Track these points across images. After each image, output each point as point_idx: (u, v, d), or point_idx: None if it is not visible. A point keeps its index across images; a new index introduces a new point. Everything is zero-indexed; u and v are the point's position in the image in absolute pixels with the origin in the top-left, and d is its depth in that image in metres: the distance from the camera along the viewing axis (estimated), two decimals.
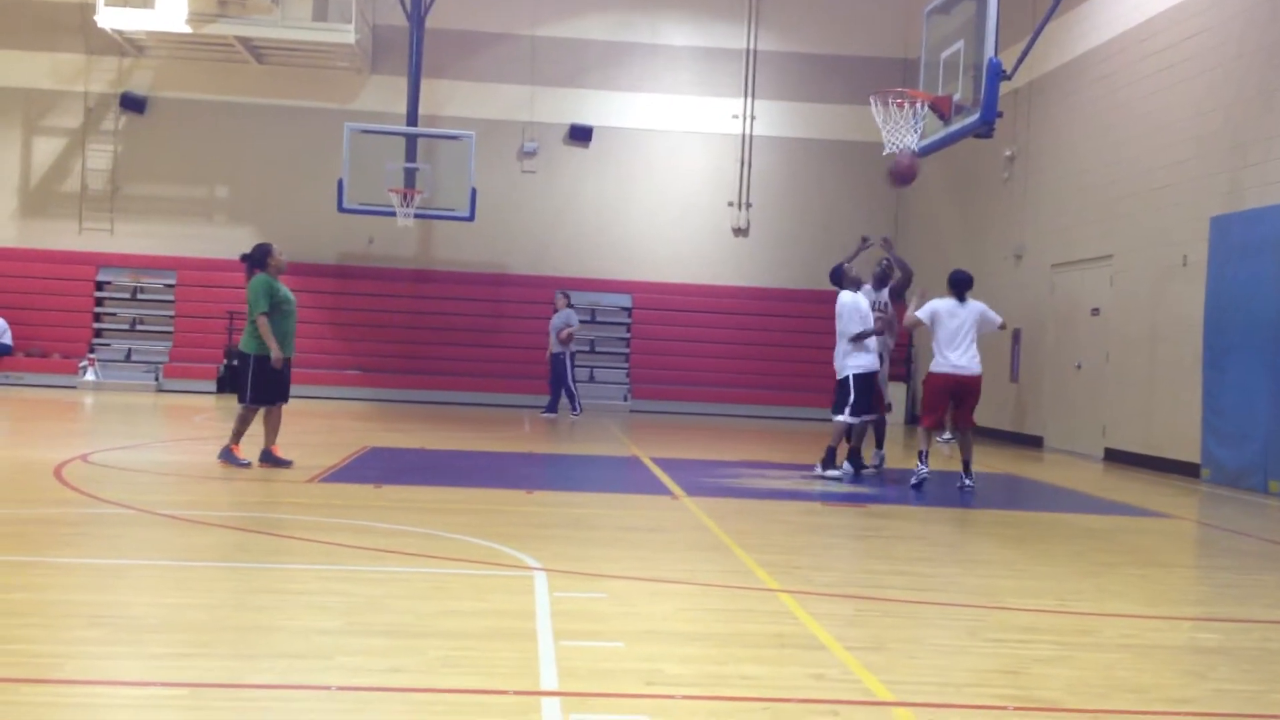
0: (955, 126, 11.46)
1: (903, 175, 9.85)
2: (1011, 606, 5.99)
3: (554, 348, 19.59)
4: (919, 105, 11.66)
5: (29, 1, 23.74)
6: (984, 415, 19.23)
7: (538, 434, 16.08)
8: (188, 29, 22.18)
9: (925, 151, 11.99)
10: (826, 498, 10.30)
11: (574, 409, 19.72)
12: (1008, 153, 19.34)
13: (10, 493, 8.42)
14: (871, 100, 11.94)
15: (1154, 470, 14.50)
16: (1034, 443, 18.10)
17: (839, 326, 11.41)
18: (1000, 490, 12.59)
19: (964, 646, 5.08)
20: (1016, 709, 4.18)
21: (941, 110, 11.55)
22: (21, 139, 24.14)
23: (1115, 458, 15.69)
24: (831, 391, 11.76)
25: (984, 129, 10.99)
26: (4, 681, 3.96)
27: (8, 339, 22.15)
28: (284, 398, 10.62)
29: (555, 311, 20.00)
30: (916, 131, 11.64)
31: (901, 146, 11.23)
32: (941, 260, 22.58)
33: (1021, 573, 7.07)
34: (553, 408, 19.79)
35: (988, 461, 15.35)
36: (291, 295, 10.45)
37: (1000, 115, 10.93)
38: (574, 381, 19.82)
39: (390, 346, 23.59)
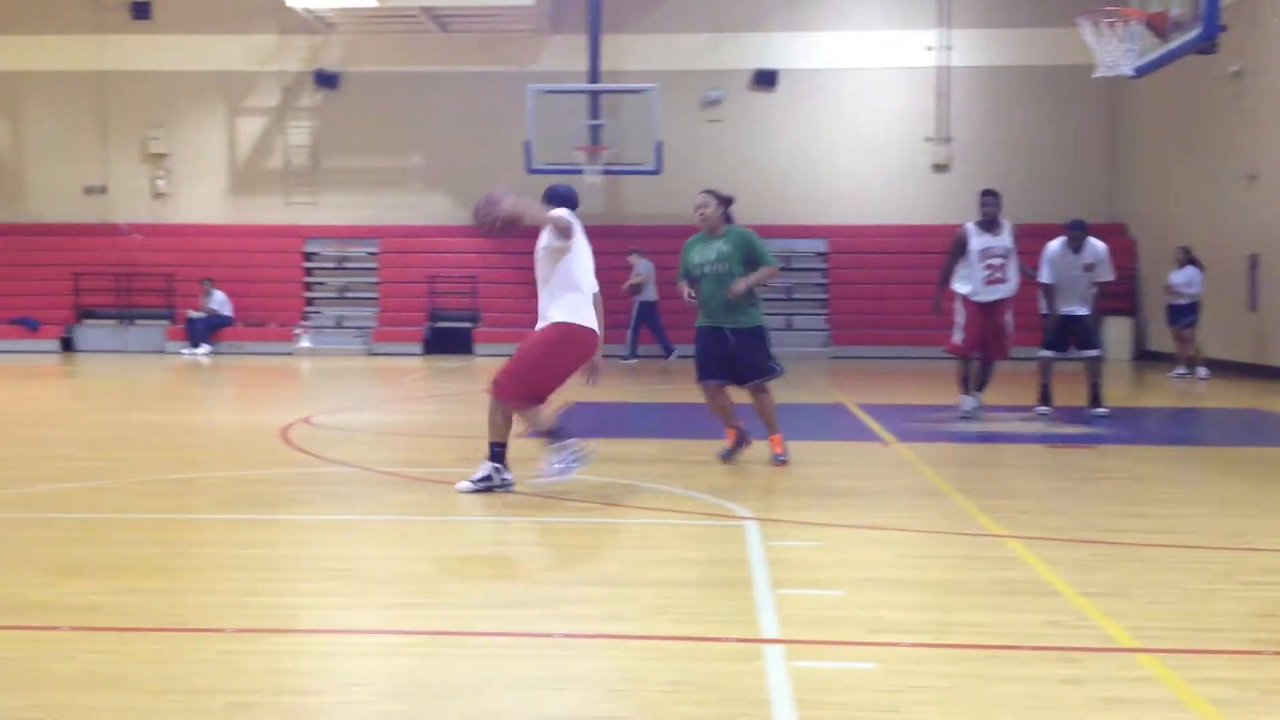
0: (1174, 44, 10.77)
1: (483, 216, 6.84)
2: (1264, 547, 5.62)
3: (649, 295, 20.06)
4: (1133, 23, 11.00)
5: None
6: (1220, 347, 18.20)
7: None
8: (374, 3, 22.73)
9: (1142, 71, 11.33)
10: (1048, 439, 9.90)
11: (629, 357, 20.26)
12: (1234, 69, 18.06)
13: (241, 455, 8.81)
14: (1080, 21, 11.32)
15: None
16: (1276, 374, 16.91)
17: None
18: (1243, 425, 11.84)
19: (1214, 590, 4.77)
20: (1275, 654, 3.91)
21: (1158, 27, 10.87)
22: (226, 121, 25.27)
23: None
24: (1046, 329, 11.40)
25: (1206, 44, 10.29)
26: (250, 632, 4.13)
27: (228, 311, 23.32)
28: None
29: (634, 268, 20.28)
30: (1132, 51, 11.00)
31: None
32: (1168, 190, 21.44)
33: (1271, 511, 6.65)
34: (667, 350, 20.10)
35: (1227, 395, 14.50)
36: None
37: (1223, 29, 10.20)
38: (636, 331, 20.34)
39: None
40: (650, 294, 20.57)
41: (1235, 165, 18.52)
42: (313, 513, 6.53)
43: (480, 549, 5.52)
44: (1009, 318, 11.12)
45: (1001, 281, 11.02)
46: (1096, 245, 11.25)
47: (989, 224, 11.08)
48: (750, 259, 8.08)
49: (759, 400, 8.22)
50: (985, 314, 11.03)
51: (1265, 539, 5.83)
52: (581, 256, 7.09)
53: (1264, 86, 17.60)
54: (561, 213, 7.05)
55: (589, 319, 6.97)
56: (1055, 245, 11.31)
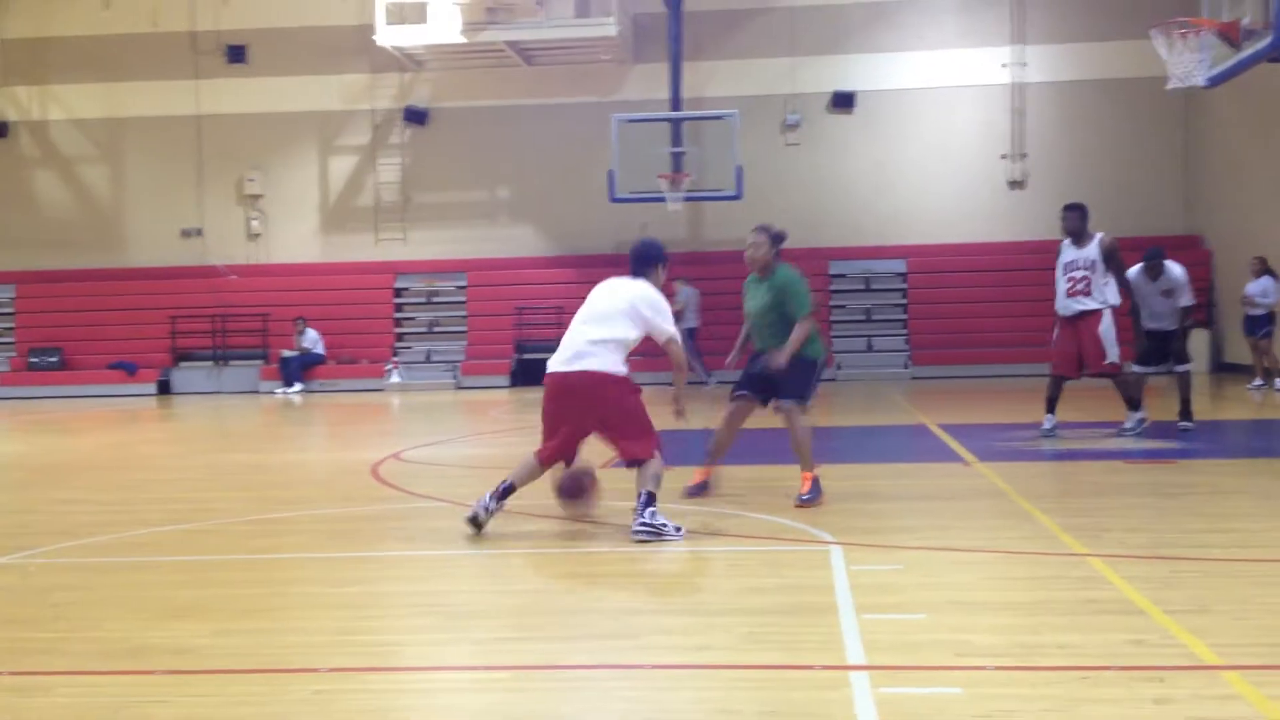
0: (1246, 53, 10.69)
1: (568, 492, 6.91)
2: None
3: (690, 322, 20.63)
4: (1205, 33, 10.92)
5: (314, 28, 25.37)
6: None
7: (820, 408, 16.02)
8: (461, 39, 23.20)
9: (1215, 81, 11.24)
10: (1129, 455, 9.82)
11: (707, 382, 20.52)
12: None
13: (335, 492, 9.05)
14: (1152, 33, 11.27)
15: None
16: None
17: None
18: None
19: None
20: None
21: (1230, 36, 10.80)
22: (318, 160, 25.90)
23: None
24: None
25: (1277, 52, 10.19)
26: (345, 671, 4.25)
27: (320, 349, 23.83)
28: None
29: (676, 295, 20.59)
30: (1204, 62, 10.92)
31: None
32: (1244, 200, 21.09)
33: None
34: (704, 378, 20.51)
35: None
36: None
37: None
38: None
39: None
40: (692, 320, 21.05)
41: None
42: (405, 549, 6.71)
43: (570, 581, 5.65)
44: (1110, 331, 10.80)
45: (1084, 294, 10.90)
46: (1174, 271, 11.14)
47: (1074, 238, 11.01)
48: (786, 307, 7.74)
49: (790, 431, 7.77)
50: (1070, 329, 10.94)
51: None
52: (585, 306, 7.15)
53: None
54: None
55: (554, 363, 7.05)
56: (1134, 271, 11.23)
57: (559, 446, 6.90)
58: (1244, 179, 21.19)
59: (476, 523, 6.75)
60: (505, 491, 6.87)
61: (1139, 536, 6.33)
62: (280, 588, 5.70)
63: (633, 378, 6.95)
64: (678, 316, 21.20)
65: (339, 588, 5.67)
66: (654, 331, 6.96)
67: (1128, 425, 10.92)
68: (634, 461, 6.73)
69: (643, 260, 7.24)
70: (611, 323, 6.92)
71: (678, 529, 6.53)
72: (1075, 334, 10.87)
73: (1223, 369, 21.30)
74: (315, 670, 4.24)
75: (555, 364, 7.04)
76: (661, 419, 7.05)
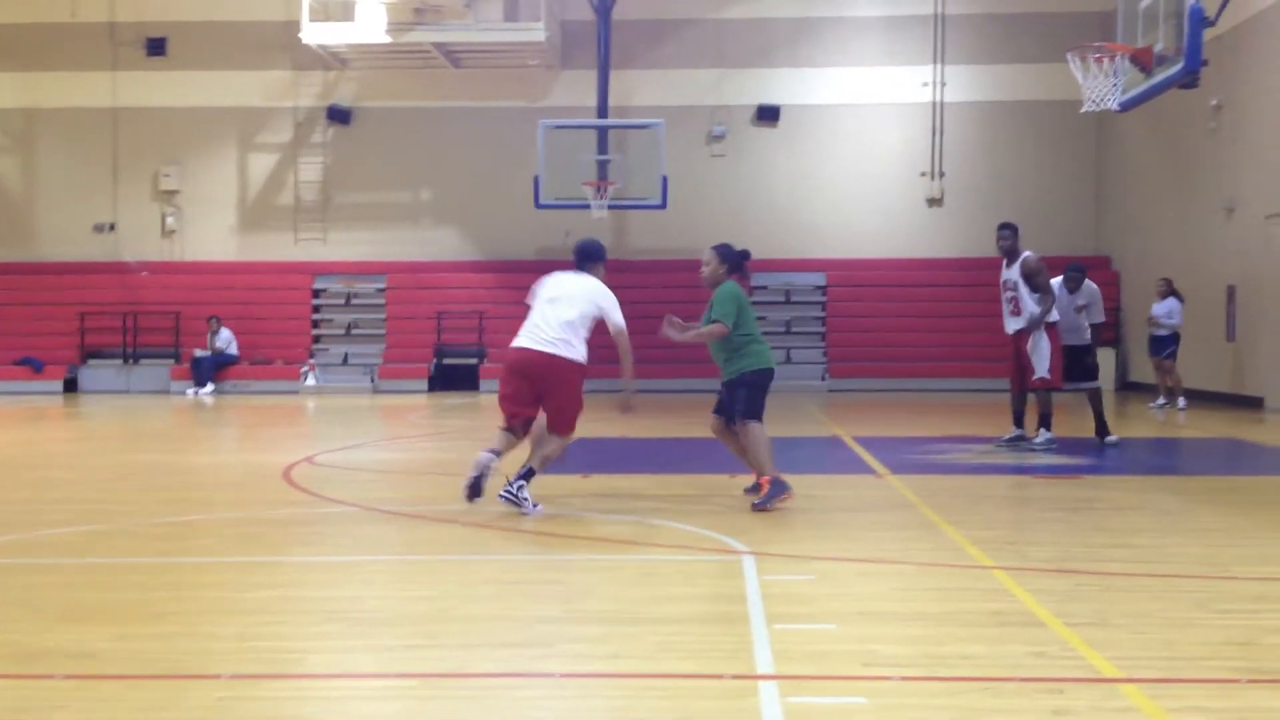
0: (1158, 78, 10.96)
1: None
2: (1239, 575, 5.76)
3: None
4: (1119, 59, 11.20)
5: (237, 23, 24.97)
6: (1198, 377, 18.40)
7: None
8: (387, 39, 22.99)
9: (1127, 106, 11.52)
10: (1035, 470, 10.03)
11: None
12: (1214, 102, 18.32)
13: (245, 496, 8.93)
14: (1068, 57, 11.53)
15: None
16: (1254, 404, 17.12)
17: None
18: (1221, 455, 12.05)
19: (1191, 619, 4.90)
20: (1250, 681, 4.03)
21: (1143, 62, 11.06)
22: (237, 157, 25.51)
23: None
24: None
25: (1188, 79, 10.48)
26: (248, 678, 4.19)
27: (234, 349, 23.46)
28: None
29: None
30: (1118, 86, 11.19)
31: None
32: (1152, 222, 21.63)
33: (1248, 540, 6.78)
34: None
35: (1205, 426, 14.69)
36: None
37: (1205, 64, 10.37)
38: None
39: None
40: None
41: (1214, 198, 18.74)
42: (314, 554, 6.64)
43: (481, 588, 5.62)
44: (1039, 349, 11.15)
45: (1015, 314, 11.28)
46: (1091, 287, 11.86)
47: (1007, 257, 11.37)
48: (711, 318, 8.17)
49: (746, 445, 8.02)
50: (1013, 345, 11.36)
51: (1241, 567, 5.96)
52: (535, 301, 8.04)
53: (1242, 120, 17.83)
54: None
55: (525, 340, 7.85)
56: (1054, 283, 11.63)
57: (529, 412, 7.79)
58: (1152, 202, 21.75)
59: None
60: (527, 474, 7.58)
61: (1043, 550, 6.46)
62: (185, 592, 5.62)
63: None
64: None
65: (245, 593, 5.59)
66: (609, 320, 7.85)
67: (1037, 441, 11.16)
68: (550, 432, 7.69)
69: (589, 256, 8.13)
70: (577, 305, 7.82)
71: (535, 505, 7.42)
72: (1018, 350, 11.22)
73: (1128, 387, 21.81)
74: (217, 677, 4.19)
75: (527, 341, 7.78)
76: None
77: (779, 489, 7.73)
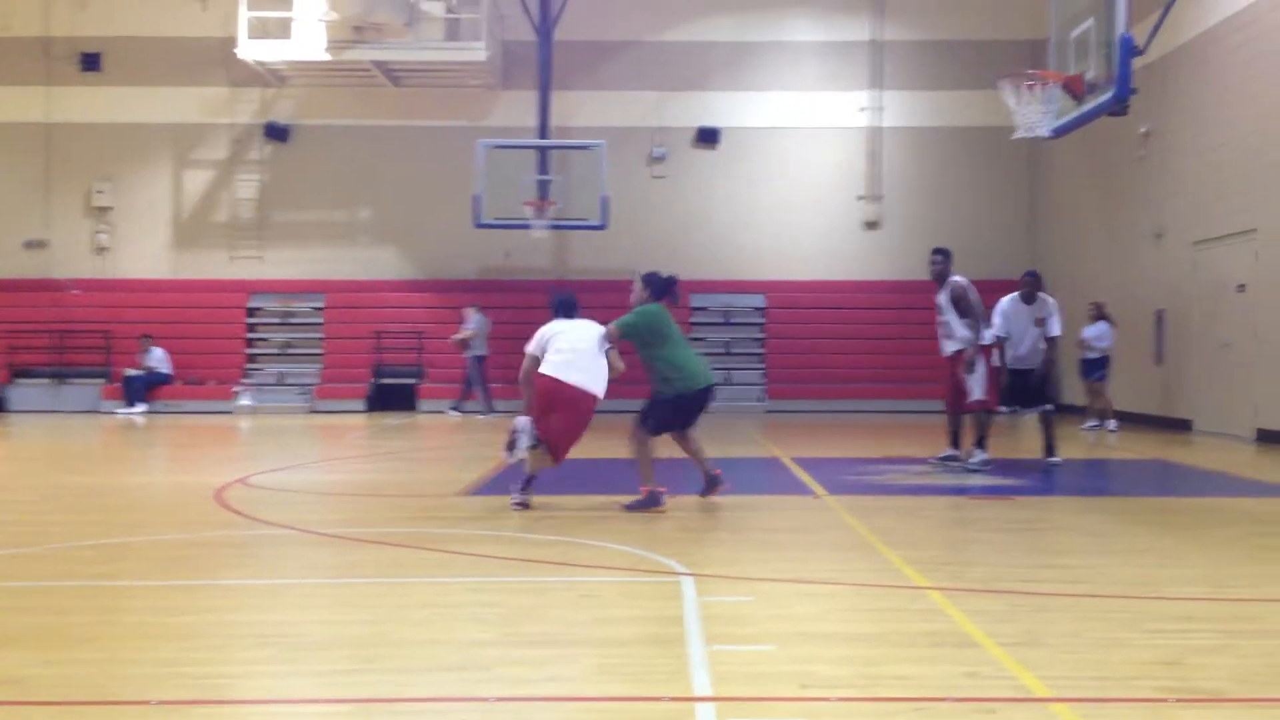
0: (1089, 106, 11.17)
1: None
2: (1168, 596, 5.84)
3: (480, 350, 21.12)
4: (1051, 86, 11.40)
5: (174, 39, 24.73)
6: (1129, 400, 18.74)
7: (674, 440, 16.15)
8: (326, 57, 22.88)
9: (1059, 132, 11.72)
10: (970, 491, 10.14)
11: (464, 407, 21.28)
12: (1143, 129, 18.74)
13: (174, 517, 8.76)
14: (1001, 84, 11.72)
15: None
16: (1182, 426, 17.50)
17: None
18: (1149, 476, 12.25)
19: (1121, 639, 4.97)
20: (1179, 700, 4.09)
21: (1074, 90, 11.27)
22: (172, 174, 25.20)
23: (1269, 438, 15.09)
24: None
25: (1118, 106, 10.69)
26: (177, 704, 4.11)
27: (167, 368, 23.12)
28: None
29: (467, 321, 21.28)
30: (1050, 113, 11.39)
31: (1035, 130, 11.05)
32: (1083, 247, 22.01)
33: (1177, 560, 6.88)
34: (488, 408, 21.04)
35: (1135, 447, 14.95)
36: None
37: (1134, 91, 10.59)
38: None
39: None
40: (481, 348, 21.25)
41: (1143, 223, 19.16)
42: (246, 577, 6.54)
43: (418, 611, 5.56)
44: (976, 369, 11.28)
45: (946, 337, 11.45)
46: (1047, 299, 11.93)
47: (939, 281, 11.52)
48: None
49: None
50: (950, 366, 11.48)
51: (1170, 587, 6.06)
52: (558, 338, 8.80)
53: (1171, 146, 18.24)
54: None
55: (580, 379, 8.67)
56: (1008, 299, 11.83)
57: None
58: (1082, 227, 22.15)
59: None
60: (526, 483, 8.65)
61: (977, 571, 6.53)
62: (113, 616, 5.50)
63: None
64: (465, 344, 22.09)
65: (175, 617, 5.49)
66: (611, 361, 8.82)
67: (972, 462, 11.29)
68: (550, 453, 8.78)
69: (574, 305, 9.16)
70: (599, 349, 8.77)
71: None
72: (954, 371, 11.37)
73: (1060, 410, 22.10)
74: (146, 703, 4.11)
75: (581, 380, 8.64)
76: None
77: (651, 501, 8.70)
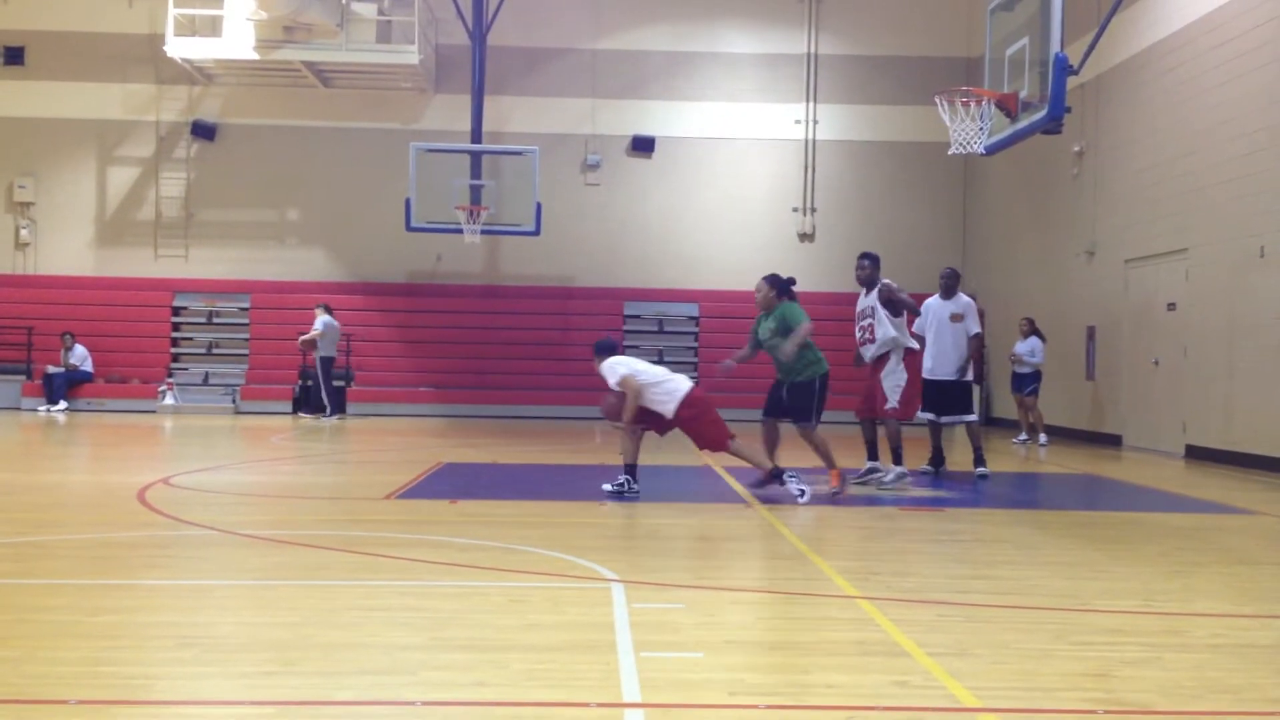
0: (1023, 124, 11.31)
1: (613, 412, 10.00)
2: (1097, 608, 5.90)
3: (328, 351, 21.31)
4: (985, 103, 11.54)
5: (99, 34, 24.29)
6: (1060, 415, 19.04)
7: (609, 446, 16.10)
8: (255, 56, 22.57)
9: (992, 149, 11.86)
10: (903, 502, 10.20)
11: (330, 413, 21.27)
12: (1076, 148, 19.08)
13: (95, 517, 8.59)
14: (937, 100, 11.84)
15: (1237, 466, 14.20)
16: (1112, 441, 17.81)
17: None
18: (1081, 490, 12.42)
19: (1050, 650, 5.00)
20: (1106, 713, 4.11)
21: (1008, 108, 11.41)
22: (96, 170, 24.71)
23: (1197, 455, 15.39)
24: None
25: (1052, 125, 10.84)
26: (97, 704, 4.03)
27: (88, 366, 22.65)
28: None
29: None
30: (984, 130, 11.52)
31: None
32: (1015, 263, 22.33)
33: (1106, 574, 6.95)
34: (332, 409, 21.23)
35: (1066, 462, 15.16)
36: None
37: (1068, 111, 10.74)
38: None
39: (460, 362, 23.78)
40: (329, 350, 21.38)
41: (1075, 241, 19.49)
42: (167, 577, 6.40)
43: (343, 614, 5.46)
44: (893, 377, 11.22)
45: (870, 341, 11.38)
46: (964, 296, 12.05)
47: (866, 286, 11.50)
48: (785, 327, 10.55)
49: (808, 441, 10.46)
50: (869, 374, 11.38)
51: (1098, 600, 6.12)
52: (648, 378, 10.26)
53: (1102, 166, 18.57)
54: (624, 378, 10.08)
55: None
56: (931, 300, 12.00)
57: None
58: (1015, 243, 22.47)
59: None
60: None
61: (907, 580, 6.56)
62: (29, 615, 5.35)
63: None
64: (312, 345, 22.30)
65: (93, 616, 5.35)
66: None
67: (887, 478, 11.19)
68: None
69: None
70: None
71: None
72: (872, 379, 11.33)
73: (991, 423, 22.42)
74: (64, 702, 4.02)
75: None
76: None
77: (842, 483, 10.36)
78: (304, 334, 21.26)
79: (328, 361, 21.29)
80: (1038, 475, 13.86)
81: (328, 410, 21.11)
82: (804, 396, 10.46)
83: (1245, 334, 14.48)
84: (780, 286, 10.85)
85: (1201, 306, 15.53)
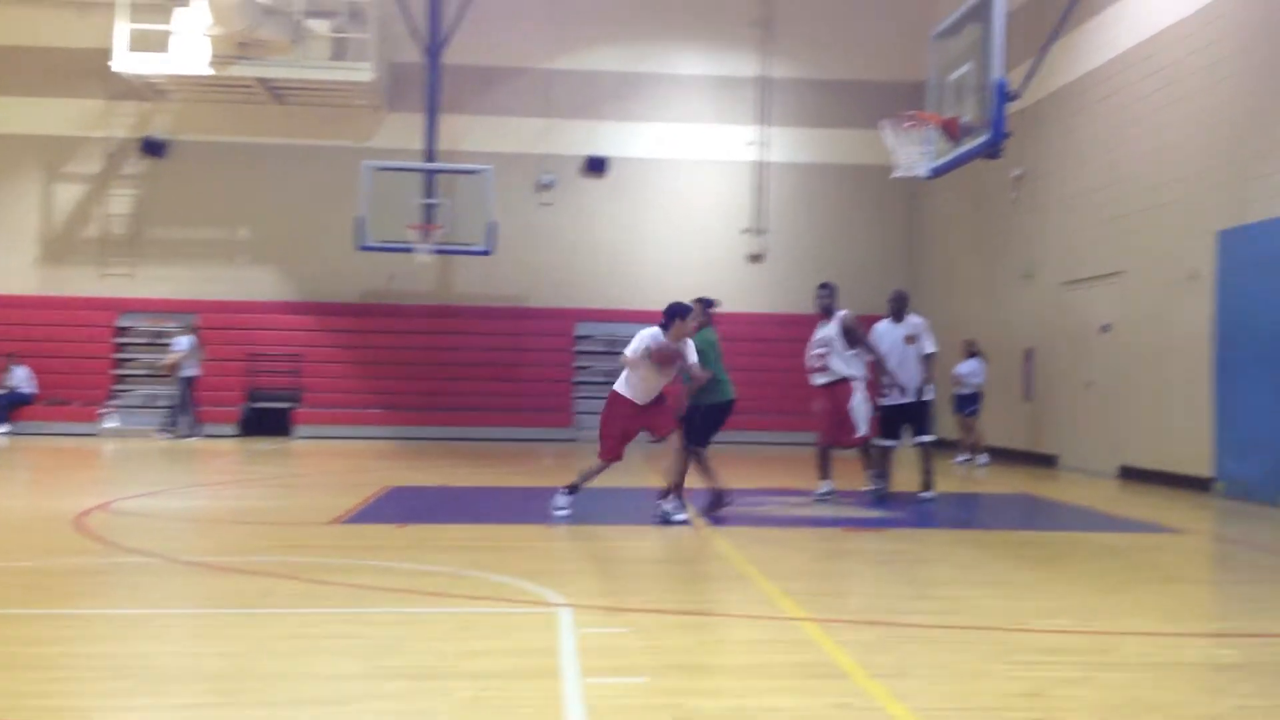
0: (965, 147, 11.46)
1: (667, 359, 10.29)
2: (1033, 628, 5.97)
3: (191, 370, 21.52)
4: (928, 127, 11.68)
5: (47, 48, 23.97)
6: (999, 435, 19.24)
7: (559, 468, 16.09)
8: (208, 72, 22.36)
9: (936, 172, 12.00)
10: (846, 523, 10.27)
11: (175, 430, 21.38)
12: (1016, 172, 19.34)
13: (31, 543, 8.45)
14: (882, 124, 11.97)
15: (1168, 486, 14.41)
16: (1048, 461, 18.02)
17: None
18: (1017, 510, 12.57)
19: (987, 670, 5.05)
20: None
21: (951, 131, 11.55)
22: (41, 187, 24.37)
23: (1130, 474, 15.60)
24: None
25: (993, 149, 10.98)
26: None
27: (30, 388, 22.31)
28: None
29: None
30: (927, 154, 11.66)
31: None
32: (957, 285, 22.58)
33: (1041, 593, 7.04)
34: (191, 430, 21.37)
35: (1005, 481, 15.33)
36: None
37: (1008, 135, 10.90)
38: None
39: (411, 383, 23.65)
40: (193, 369, 21.54)
41: (1014, 263, 19.75)
42: (105, 606, 6.32)
43: (284, 643, 5.41)
44: (854, 403, 11.53)
45: (821, 370, 11.60)
46: (915, 318, 12.27)
47: (825, 315, 11.72)
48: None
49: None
50: (825, 398, 11.61)
51: (1035, 620, 6.19)
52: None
53: (1042, 190, 18.85)
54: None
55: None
56: (881, 324, 12.12)
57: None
58: (956, 265, 22.72)
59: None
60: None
61: (850, 601, 6.61)
62: None
63: (618, 393, 10.48)
64: (174, 367, 22.42)
65: (26, 647, 5.26)
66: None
67: (871, 492, 11.47)
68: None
69: (668, 314, 10.48)
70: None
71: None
72: (831, 402, 11.49)
73: (933, 443, 22.59)
74: None
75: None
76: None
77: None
78: (164, 358, 21.61)
79: (191, 381, 21.46)
80: (977, 495, 14.00)
81: (179, 430, 21.14)
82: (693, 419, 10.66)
83: (1176, 356, 14.71)
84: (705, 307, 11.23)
85: (1136, 328, 15.77)
